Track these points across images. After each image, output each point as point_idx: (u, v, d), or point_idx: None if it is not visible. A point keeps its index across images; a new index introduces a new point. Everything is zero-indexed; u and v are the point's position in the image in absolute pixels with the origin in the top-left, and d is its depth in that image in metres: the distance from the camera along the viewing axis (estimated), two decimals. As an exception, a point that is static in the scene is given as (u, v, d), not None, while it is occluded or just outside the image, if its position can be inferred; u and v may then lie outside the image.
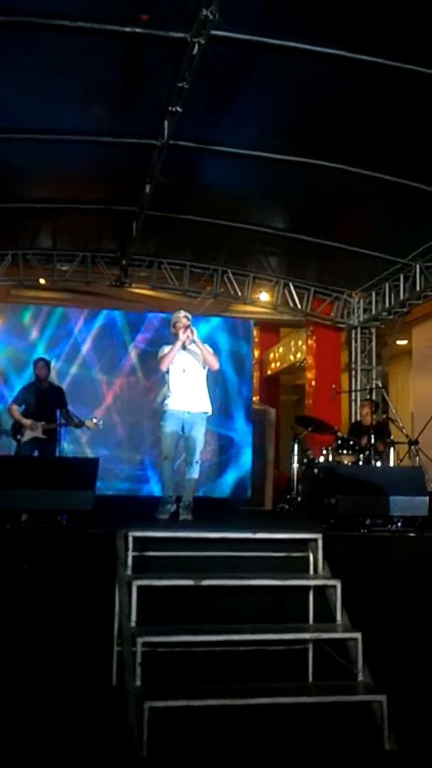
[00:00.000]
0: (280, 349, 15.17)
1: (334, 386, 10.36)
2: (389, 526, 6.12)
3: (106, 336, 10.89)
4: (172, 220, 9.17)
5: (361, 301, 11.14)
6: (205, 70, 5.68)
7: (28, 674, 4.37)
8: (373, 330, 11.32)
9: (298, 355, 13.75)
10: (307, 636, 4.62)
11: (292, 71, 6.04)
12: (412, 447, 8.46)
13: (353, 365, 11.36)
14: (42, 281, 10.96)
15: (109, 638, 4.52)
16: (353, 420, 10.57)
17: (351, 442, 8.23)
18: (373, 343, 11.35)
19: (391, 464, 8.29)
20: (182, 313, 6.62)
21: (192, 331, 6.43)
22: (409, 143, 6.89)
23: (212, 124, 7.01)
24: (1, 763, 3.66)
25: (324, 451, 8.24)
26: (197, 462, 6.39)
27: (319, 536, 5.02)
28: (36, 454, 7.86)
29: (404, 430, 8.96)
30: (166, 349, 6.52)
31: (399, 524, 6.14)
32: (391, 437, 8.77)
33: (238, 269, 11.08)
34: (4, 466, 5.96)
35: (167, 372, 6.48)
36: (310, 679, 4.62)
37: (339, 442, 8.24)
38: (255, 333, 13.38)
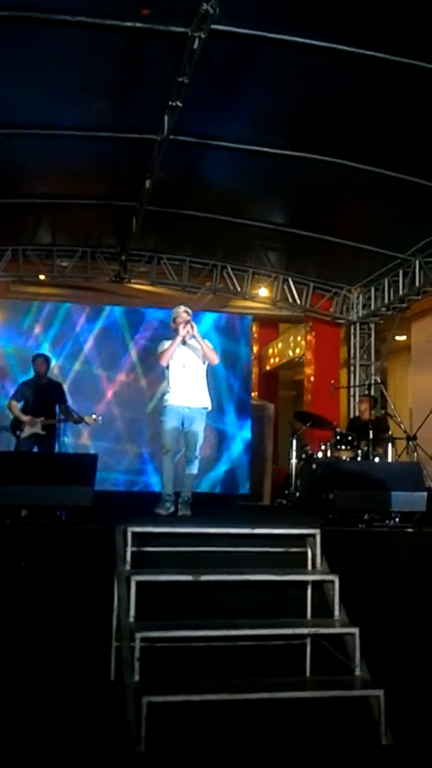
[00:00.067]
0: (279, 345, 15.17)
1: (332, 382, 10.37)
2: (387, 521, 6.14)
3: (107, 334, 10.93)
4: (171, 215, 9.17)
5: (360, 296, 11.14)
6: (206, 65, 5.67)
7: (27, 669, 4.38)
8: (372, 325, 11.33)
9: (297, 350, 13.75)
10: (305, 631, 4.63)
11: (292, 66, 6.03)
12: (411, 443, 8.48)
13: (352, 361, 11.37)
14: (42, 277, 10.96)
15: (107, 633, 4.53)
16: (352, 415, 10.58)
17: (349, 438, 8.24)
18: (372, 339, 11.36)
19: (390, 460, 8.30)
20: (182, 308, 6.61)
21: (192, 327, 6.43)
22: (409, 138, 6.89)
23: (212, 119, 7.01)
24: (1, 759, 3.68)
25: (322, 447, 8.25)
26: (197, 457, 6.40)
27: (317, 531, 5.04)
28: (35, 449, 7.87)
29: (402, 426, 8.98)
30: (166, 344, 6.51)
31: (397, 519, 6.15)
32: (390, 433, 8.78)
33: (237, 264, 11.09)
34: (4, 462, 5.97)
35: (167, 367, 6.47)
36: (308, 674, 4.64)
37: (337, 437, 8.25)
38: (254, 328, 13.37)
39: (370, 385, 10.26)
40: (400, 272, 9.85)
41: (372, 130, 6.88)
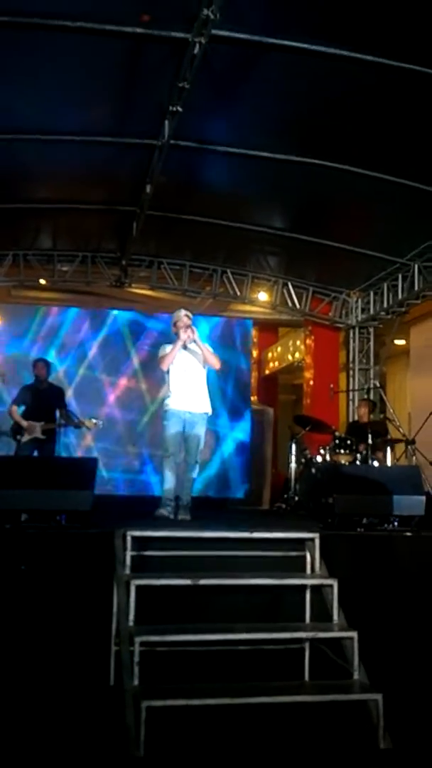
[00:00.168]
0: (279, 349, 15.18)
1: (332, 386, 10.38)
2: (386, 525, 6.15)
3: (111, 340, 11.14)
4: (172, 220, 9.19)
5: (360, 300, 11.16)
6: (206, 70, 5.70)
7: (27, 674, 4.38)
8: (371, 330, 11.34)
9: (297, 354, 13.76)
10: (303, 635, 4.63)
11: (293, 71, 6.05)
12: (410, 446, 8.49)
13: (351, 365, 11.38)
14: (42, 281, 10.98)
15: (107, 637, 4.53)
16: (351, 420, 10.59)
17: (348, 442, 8.25)
18: (371, 343, 11.37)
19: (389, 464, 8.31)
20: (183, 312, 6.60)
21: (193, 331, 6.42)
22: (409, 143, 6.92)
23: (213, 124, 7.03)
24: (1, 763, 3.68)
25: (322, 451, 8.26)
26: (197, 462, 6.41)
27: (316, 535, 5.04)
28: (35, 454, 7.88)
29: (401, 430, 8.99)
30: (167, 348, 6.50)
31: (396, 523, 6.16)
32: (389, 437, 8.79)
33: (237, 269, 11.11)
34: (4, 467, 5.97)
35: (167, 372, 6.47)
36: (307, 678, 4.64)
37: (337, 441, 8.26)
38: (253, 333, 13.42)
39: (369, 389, 10.29)
40: (399, 276, 9.87)
41: (371, 135, 6.90)
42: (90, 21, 5.46)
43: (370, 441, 8.04)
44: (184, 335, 6.38)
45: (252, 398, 12.73)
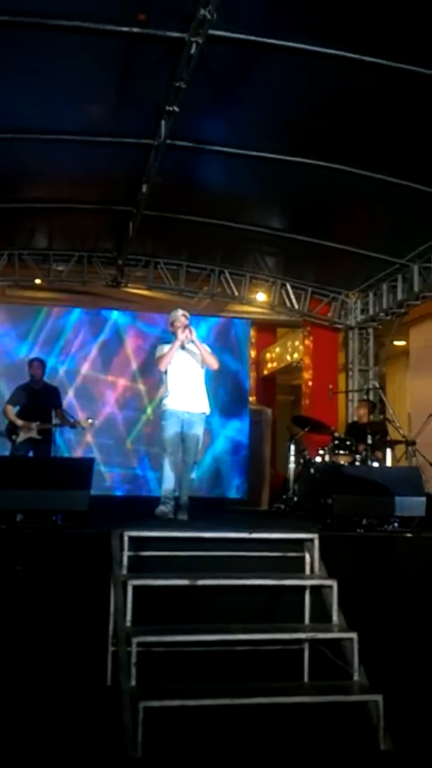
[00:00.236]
0: (277, 350, 15.16)
1: (331, 387, 10.36)
2: (386, 526, 6.12)
3: (111, 341, 11.22)
4: (168, 219, 9.16)
5: (359, 301, 11.14)
6: (203, 70, 5.68)
7: (23, 674, 4.36)
8: (371, 330, 11.32)
9: (295, 355, 13.74)
10: (302, 636, 4.61)
11: (290, 71, 6.04)
12: (409, 447, 8.47)
13: (350, 366, 11.36)
14: (38, 281, 10.95)
15: (104, 638, 4.50)
16: (350, 420, 10.57)
17: (348, 443, 8.22)
18: (371, 344, 11.36)
19: (388, 464, 8.29)
20: (180, 312, 6.57)
21: (191, 331, 6.39)
22: (407, 144, 6.90)
23: (209, 124, 7.02)
24: (-4, 764, 3.66)
25: (321, 452, 8.24)
26: (195, 462, 6.39)
27: (315, 536, 5.01)
28: (31, 454, 7.85)
29: (401, 431, 8.97)
30: (165, 348, 6.47)
31: (396, 524, 6.14)
32: (388, 437, 8.77)
33: (234, 269, 11.08)
34: None
35: (165, 372, 6.44)
36: (306, 679, 4.62)
37: (336, 442, 8.24)
38: (252, 333, 13.43)
39: (368, 390, 10.26)
40: (399, 277, 9.85)
41: (370, 136, 6.88)
42: (87, 20, 5.45)
43: (369, 442, 8.02)
44: (182, 335, 6.35)
45: (250, 399, 12.71)
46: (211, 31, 5.23)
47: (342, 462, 7.98)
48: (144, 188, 7.78)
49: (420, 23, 5.26)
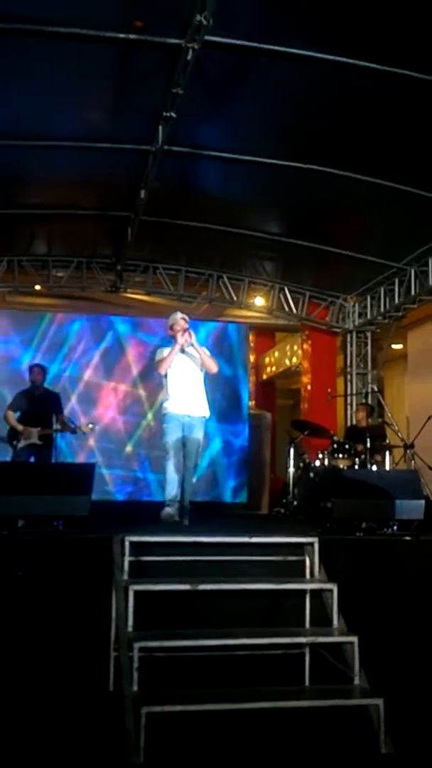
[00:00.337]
0: (276, 354, 15.17)
1: (329, 390, 10.37)
2: (385, 529, 6.14)
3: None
4: (167, 225, 9.18)
5: (357, 305, 11.16)
6: (199, 76, 5.70)
7: (25, 680, 4.36)
8: (369, 334, 11.35)
9: (294, 359, 13.75)
10: (303, 640, 4.62)
11: (286, 76, 6.05)
12: (408, 451, 8.47)
13: (349, 369, 11.38)
14: (37, 287, 10.97)
15: (105, 643, 4.51)
16: (349, 424, 10.58)
17: (347, 446, 8.23)
18: (369, 348, 11.37)
19: (387, 468, 8.30)
20: (179, 315, 6.57)
21: (190, 334, 6.40)
22: (404, 148, 6.93)
23: (207, 130, 7.04)
24: (-1, 769, 3.66)
25: (320, 455, 8.25)
26: (196, 465, 6.39)
27: (315, 540, 5.03)
28: (32, 459, 7.86)
29: (400, 434, 8.97)
30: (165, 351, 6.46)
31: (395, 528, 6.15)
32: (387, 441, 8.78)
33: (233, 274, 11.11)
34: (1, 473, 5.96)
35: (165, 375, 6.44)
36: (307, 683, 4.62)
37: (335, 446, 8.25)
38: (251, 337, 13.46)
39: (367, 394, 10.27)
40: (396, 281, 9.87)
41: (367, 141, 6.91)
42: (84, 27, 5.47)
43: (368, 445, 8.03)
44: (181, 339, 6.36)
45: (250, 403, 12.73)
46: (207, 37, 5.25)
47: (341, 466, 8.00)
48: (142, 194, 7.80)
49: (416, 28, 5.28)
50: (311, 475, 8.01)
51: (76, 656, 4.46)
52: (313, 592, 4.80)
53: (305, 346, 12.22)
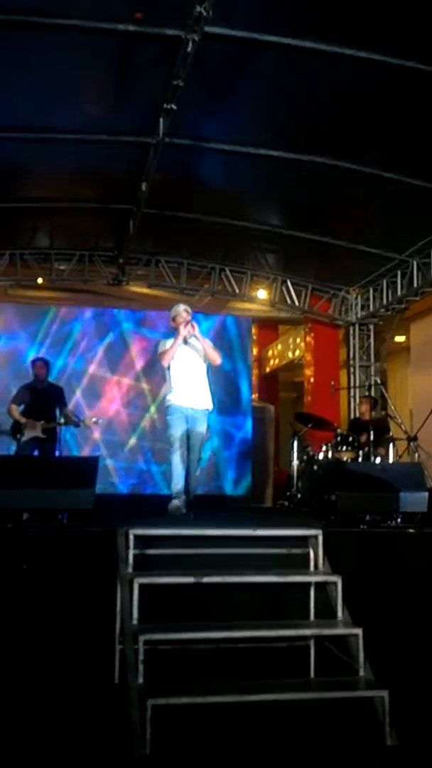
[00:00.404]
0: (279, 347, 15.17)
1: (332, 383, 10.36)
2: (389, 522, 6.13)
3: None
4: (169, 218, 9.17)
5: (359, 297, 11.15)
6: (200, 68, 5.68)
7: (31, 673, 4.37)
8: (371, 326, 11.33)
9: (297, 352, 13.75)
10: (308, 632, 4.62)
11: (287, 68, 6.04)
12: (412, 443, 8.46)
13: (351, 362, 11.37)
14: (40, 280, 10.96)
15: (111, 636, 4.52)
16: (352, 416, 10.58)
17: (350, 439, 8.23)
18: (371, 340, 11.36)
19: (391, 460, 8.29)
20: (182, 307, 6.52)
21: (193, 326, 6.36)
22: (406, 139, 6.90)
23: (208, 122, 7.02)
24: (5, 762, 3.67)
25: (323, 448, 8.24)
26: (200, 458, 6.38)
27: (319, 532, 5.03)
28: (36, 453, 7.87)
29: (403, 427, 8.96)
30: (168, 343, 6.42)
31: (399, 520, 6.15)
32: (391, 433, 8.77)
33: (235, 267, 11.09)
34: (5, 466, 5.96)
35: (168, 368, 6.41)
36: (312, 675, 4.62)
37: (338, 438, 8.24)
38: (253, 330, 13.46)
39: (370, 386, 10.26)
40: (398, 273, 9.85)
41: (369, 132, 6.89)
42: (83, 19, 5.45)
43: (371, 438, 8.02)
44: (183, 330, 6.32)
45: (253, 396, 12.73)
46: (207, 29, 5.24)
47: (345, 458, 7.99)
48: (144, 186, 7.79)
49: (415, 19, 5.25)
50: (315, 467, 8.00)
51: (81, 649, 4.47)
52: (317, 584, 4.79)
53: (308, 338, 12.21)
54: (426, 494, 6.09)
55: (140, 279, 11.15)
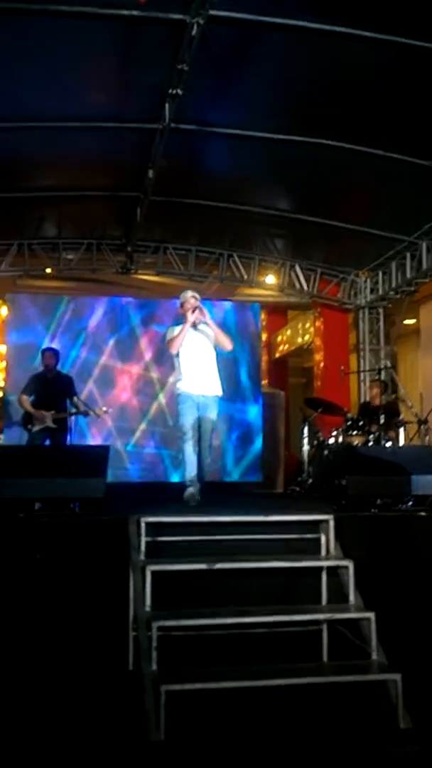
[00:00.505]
0: (288, 332, 15.13)
1: (342, 367, 10.34)
2: (400, 505, 6.13)
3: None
4: (176, 204, 9.13)
5: (368, 280, 11.09)
6: (205, 52, 5.63)
7: (46, 661, 4.41)
8: (381, 310, 11.28)
9: (306, 337, 13.71)
10: (320, 617, 4.64)
11: (293, 50, 5.98)
12: (422, 426, 8.44)
13: (361, 346, 11.32)
14: (48, 270, 10.96)
15: (124, 623, 4.55)
16: (362, 401, 10.55)
17: (360, 423, 8.21)
18: (381, 323, 11.31)
19: (401, 444, 8.28)
20: (190, 293, 6.46)
21: (202, 311, 6.31)
22: (413, 120, 6.83)
23: (214, 106, 6.96)
24: (20, 748, 3.71)
25: (334, 433, 8.24)
26: (211, 445, 6.37)
27: (330, 517, 5.04)
28: (47, 443, 7.89)
29: (414, 410, 8.95)
30: (176, 330, 6.33)
31: (410, 503, 6.14)
32: (401, 417, 8.75)
33: (243, 252, 11.05)
34: (17, 456, 6.00)
35: (177, 355, 6.36)
36: (325, 659, 4.64)
37: (349, 423, 8.23)
38: (262, 316, 13.41)
39: (380, 370, 10.22)
40: (407, 255, 9.79)
41: (376, 113, 6.82)
42: (87, 5, 5.40)
43: (382, 422, 8.01)
44: (191, 316, 6.26)
45: (263, 382, 12.71)
46: (212, 12, 5.18)
47: (355, 443, 7.98)
48: (150, 173, 7.75)
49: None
50: (325, 452, 8.01)
51: (95, 637, 4.51)
52: (329, 569, 4.81)
53: (317, 323, 12.17)
54: (437, 477, 6.07)
55: (149, 267, 11.12)
